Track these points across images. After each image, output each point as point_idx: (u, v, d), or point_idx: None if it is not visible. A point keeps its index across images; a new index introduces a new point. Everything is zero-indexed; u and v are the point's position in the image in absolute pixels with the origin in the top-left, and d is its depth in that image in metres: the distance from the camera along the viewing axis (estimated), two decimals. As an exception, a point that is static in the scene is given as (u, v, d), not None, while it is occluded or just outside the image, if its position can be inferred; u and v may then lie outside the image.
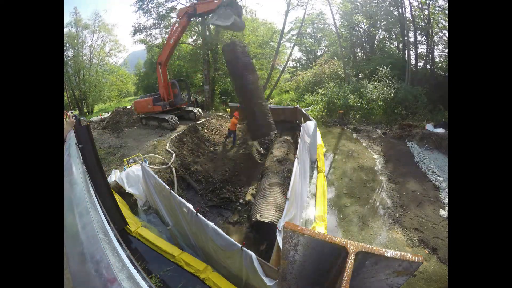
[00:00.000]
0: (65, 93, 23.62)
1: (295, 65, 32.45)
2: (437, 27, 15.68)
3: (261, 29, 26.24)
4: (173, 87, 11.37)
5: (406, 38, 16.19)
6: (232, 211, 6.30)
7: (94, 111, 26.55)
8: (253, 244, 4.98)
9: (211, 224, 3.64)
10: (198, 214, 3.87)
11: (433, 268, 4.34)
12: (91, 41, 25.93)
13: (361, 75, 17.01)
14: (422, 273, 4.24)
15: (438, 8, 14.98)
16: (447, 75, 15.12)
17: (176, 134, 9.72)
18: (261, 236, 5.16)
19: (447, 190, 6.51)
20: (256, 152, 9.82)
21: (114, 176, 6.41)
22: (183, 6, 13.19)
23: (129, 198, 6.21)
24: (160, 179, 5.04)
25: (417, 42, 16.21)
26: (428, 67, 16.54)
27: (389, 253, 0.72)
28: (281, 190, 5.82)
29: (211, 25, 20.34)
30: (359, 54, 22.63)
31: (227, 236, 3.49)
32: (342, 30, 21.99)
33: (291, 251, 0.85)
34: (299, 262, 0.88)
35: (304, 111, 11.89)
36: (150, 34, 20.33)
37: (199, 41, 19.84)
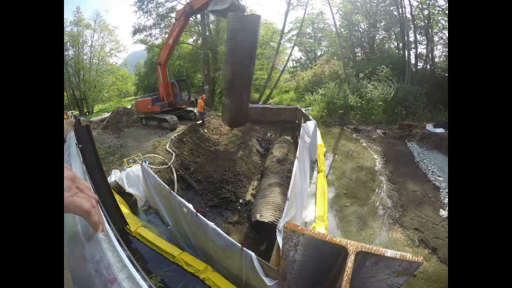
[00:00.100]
0: (65, 93, 23.62)
1: (295, 65, 32.45)
2: (437, 27, 15.69)
3: (261, 29, 26.23)
4: (173, 87, 11.35)
5: (406, 38, 16.19)
6: (232, 211, 6.29)
7: (94, 111, 26.55)
8: (253, 244, 4.98)
9: (211, 224, 3.64)
10: (198, 214, 3.87)
11: (433, 268, 4.34)
12: (92, 41, 25.96)
13: (361, 75, 17.02)
14: (422, 273, 4.24)
15: (438, 8, 14.99)
16: (447, 75, 15.12)
17: (176, 134, 9.73)
18: (261, 236, 5.16)
19: (447, 190, 6.51)
20: (256, 152, 9.82)
21: (114, 176, 6.41)
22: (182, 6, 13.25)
23: (129, 198, 6.21)
24: (160, 179, 5.04)
25: (417, 42, 16.22)
26: (428, 67, 16.54)
27: (389, 253, 0.72)
28: (281, 190, 5.82)
29: (211, 25, 20.38)
30: (359, 54, 22.63)
31: (227, 236, 3.49)
32: (342, 30, 21.98)
33: (291, 251, 0.85)
34: (299, 262, 0.88)
35: (304, 111, 11.89)
36: (150, 34, 20.37)
37: (199, 41, 19.86)
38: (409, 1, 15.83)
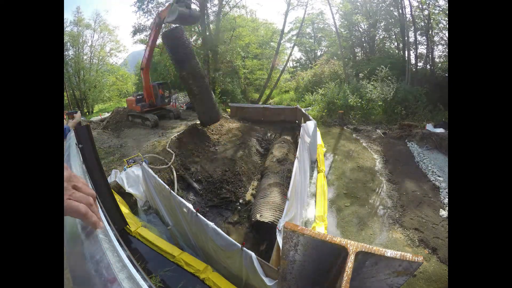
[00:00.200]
0: (65, 93, 23.61)
1: (295, 65, 32.45)
2: (437, 27, 15.69)
3: (261, 29, 26.26)
4: (155, 89, 12.35)
5: (406, 38, 16.20)
6: (232, 211, 6.29)
7: (94, 111, 26.53)
8: (253, 244, 4.98)
9: (211, 224, 3.64)
10: (198, 214, 3.87)
11: (433, 268, 4.34)
12: (92, 41, 25.95)
13: (361, 75, 17.02)
14: (422, 273, 4.24)
15: (438, 8, 14.99)
16: (447, 75, 15.13)
17: (176, 134, 9.73)
18: (261, 236, 5.16)
19: (447, 190, 6.51)
20: (256, 152, 9.82)
21: (114, 176, 6.40)
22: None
23: (129, 198, 6.20)
24: (160, 179, 5.04)
25: (417, 42, 16.22)
26: (428, 67, 16.54)
27: (389, 253, 0.72)
28: (281, 190, 5.82)
29: (211, 26, 20.39)
30: (359, 54, 22.63)
31: (227, 236, 3.49)
32: (342, 30, 21.99)
33: (291, 251, 0.85)
34: (299, 262, 0.88)
35: (304, 111, 11.89)
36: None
37: (199, 41, 19.87)
38: (409, 1, 15.84)
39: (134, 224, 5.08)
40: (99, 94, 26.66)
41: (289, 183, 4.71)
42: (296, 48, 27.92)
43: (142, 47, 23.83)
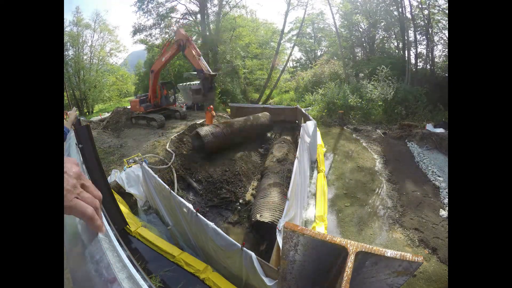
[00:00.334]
0: (65, 93, 23.61)
1: (295, 65, 32.45)
2: (437, 27, 15.69)
3: (261, 29, 26.26)
4: (161, 89, 12.29)
5: (406, 38, 16.21)
6: (232, 211, 6.29)
7: (94, 111, 26.53)
8: (253, 244, 4.98)
9: (211, 224, 3.64)
10: (198, 214, 3.87)
11: (433, 268, 4.34)
12: (92, 41, 25.95)
13: (361, 75, 17.03)
14: (422, 273, 4.24)
15: (438, 8, 14.99)
16: (447, 75, 15.14)
17: (176, 134, 9.73)
18: (261, 236, 5.16)
19: (447, 190, 6.51)
20: (256, 152, 9.82)
21: (114, 176, 6.41)
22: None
23: (129, 198, 6.21)
24: (160, 179, 5.04)
25: (417, 42, 16.23)
26: (428, 67, 16.55)
27: (389, 253, 0.72)
28: (281, 190, 5.82)
29: (211, 25, 20.40)
30: (359, 54, 22.63)
31: (227, 236, 3.49)
32: (342, 30, 21.99)
33: (291, 251, 0.85)
34: (299, 262, 0.88)
35: (304, 111, 11.88)
36: (150, 34, 20.39)
37: (199, 41, 19.87)
38: (409, 1, 15.85)
39: (134, 224, 5.09)
40: (99, 94, 26.66)
41: (289, 183, 4.71)
42: (296, 48, 27.96)
43: (142, 47, 23.87)
